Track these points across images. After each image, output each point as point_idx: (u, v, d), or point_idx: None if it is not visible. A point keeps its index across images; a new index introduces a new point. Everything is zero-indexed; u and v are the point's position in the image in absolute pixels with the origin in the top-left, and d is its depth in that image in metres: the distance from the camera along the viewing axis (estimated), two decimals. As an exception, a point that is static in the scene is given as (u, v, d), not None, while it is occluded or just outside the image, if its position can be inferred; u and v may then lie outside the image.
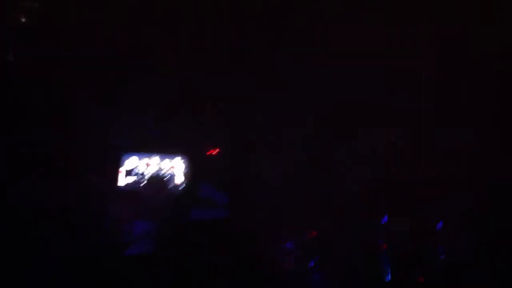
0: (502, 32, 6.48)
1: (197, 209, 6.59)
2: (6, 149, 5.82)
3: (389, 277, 6.02)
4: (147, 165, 6.68)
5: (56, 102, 6.40)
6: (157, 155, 6.72)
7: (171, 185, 6.75)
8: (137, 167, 6.65)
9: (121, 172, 6.59)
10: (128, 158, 6.64)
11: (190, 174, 6.77)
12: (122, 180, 6.57)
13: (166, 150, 6.75)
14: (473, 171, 6.51)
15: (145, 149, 6.73)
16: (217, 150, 6.87)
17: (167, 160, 6.73)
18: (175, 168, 6.76)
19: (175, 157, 6.75)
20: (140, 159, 6.67)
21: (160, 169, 6.72)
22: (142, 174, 6.67)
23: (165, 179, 6.59)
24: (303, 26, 6.77)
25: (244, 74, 6.79)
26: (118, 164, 6.61)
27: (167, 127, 6.78)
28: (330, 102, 6.82)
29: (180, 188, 6.77)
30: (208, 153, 6.89)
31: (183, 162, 6.75)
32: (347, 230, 6.34)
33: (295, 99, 6.82)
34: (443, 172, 6.57)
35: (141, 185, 6.53)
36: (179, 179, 6.76)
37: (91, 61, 6.54)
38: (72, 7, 6.33)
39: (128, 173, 6.60)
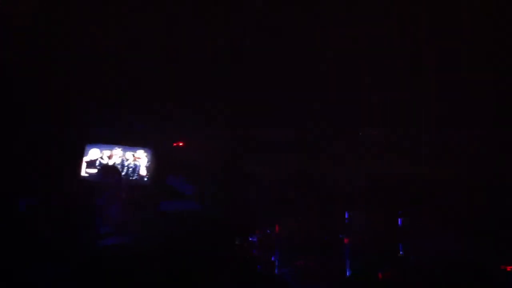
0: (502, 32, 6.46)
1: (163, 201, 6.59)
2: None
3: (349, 272, 6.05)
4: (110, 156, 6.64)
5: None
6: (120, 147, 6.68)
7: (135, 177, 6.71)
8: (100, 159, 6.60)
9: (83, 162, 6.55)
10: (90, 149, 6.59)
11: (155, 166, 6.74)
12: (84, 171, 6.52)
13: (129, 142, 6.71)
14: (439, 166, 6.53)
15: (108, 140, 6.68)
16: (182, 143, 6.85)
17: (130, 152, 6.69)
18: (139, 160, 6.72)
19: (138, 149, 6.71)
20: (102, 150, 6.62)
21: (124, 161, 6.68)
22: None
23: (118, 168, 6.52)
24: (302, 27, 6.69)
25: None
26: (81, 154, 6.56)
27: (132, 120, 6.73)
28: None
29: (145, 180, 6.74)
30: (174, 145, 6.86)
31: (147, 155, 6.72)
32: (310, 225, 6.34)
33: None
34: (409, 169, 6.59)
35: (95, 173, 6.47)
36: (143, 171, 6.73)
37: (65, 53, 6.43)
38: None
39: (90, 164, 6.56)
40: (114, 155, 6.67)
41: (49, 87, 6.42)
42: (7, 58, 5.99)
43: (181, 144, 6.88)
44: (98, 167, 6.56)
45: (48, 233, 5.26)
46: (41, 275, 4.74)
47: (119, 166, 6.63)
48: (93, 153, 6.60)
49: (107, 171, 6.18)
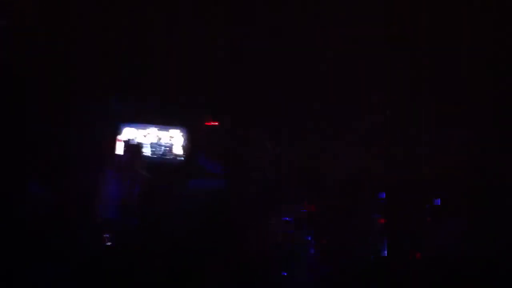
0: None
1: (195, 179, 6.62)
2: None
3: (385, 252, 6.04)
4: (145, 135, 6.67)
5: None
6: (156, 126, 6.69)
7: (170, 156, 6.75)
8: (135, 138, 6.63)
9: (119, 141, 6.57)
10: (125, 128, 6.61)
11: (189, 145, 6.76)
12: (120, 150, 6.55)
13: (164, 121, 6.72)
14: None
15: (143, 120, 6.70)
16: (216, 122, 6.84)
17: (165, 132, 6.70)
18: (174, 139, 6.74)
19: (173, 128, 6.73)
20: (137, 129, 6.64)
21: (159, 140, 6.70)
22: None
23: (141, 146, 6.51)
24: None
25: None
26: (116, 133, 6.58)
27: (166, 99, 6.72)
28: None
29: (179, 159, 6.77)
30: (207, 124, 6.86)
31: (182, 134, 6.73)
32: (345, 205, 6.33)
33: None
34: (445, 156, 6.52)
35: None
36: (178, 150, 6.75)
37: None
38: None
39: (126, 142, 6.59)
40: (149, 135, 6.69)
41: (82, 66, 6.38)
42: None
43: (214, 123, 6.87)
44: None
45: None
46: (42, 275, 4.76)
47: (154, 145, 6.67)
48: (128, 133, 6.62)
49: (127, 147, 6.19)
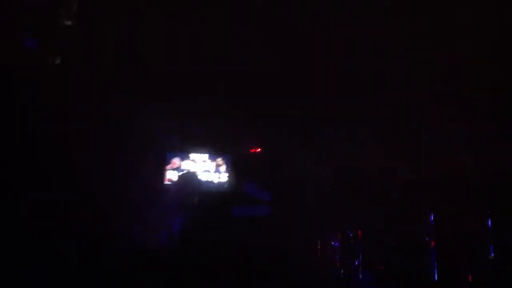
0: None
1: (241, 206, 6.65)
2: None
3: (436, 276, 5.86)
4: (192, 163, 6.78)
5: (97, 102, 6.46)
6: (201, 154, 6.81)
7: (215, 184, 6.83)
8: (182, 165, 6.76)
9: (167, 169, 6.71)
10: (172, 157, 6.75)
11: (234, 172, 6.83)
12: (168, 177, 6.69)
13: (210, 149, 6.82)
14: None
15: (189, 148, 6.83)
16: (259, 149, 6.89)
17: (211, 159, 6.81)
18: (220, 167, 6.83)
19: (219, 156, 6.83)
20: (184, 157, 6.77)
21: (205, 167, 6.81)
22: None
23: (196, 174, 6.63)
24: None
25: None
26: (164, 162, 6.73)
27: (210, 127, 6.83)
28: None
29: (225, 186, 6.83)
30: (251, 151, 6.92)
31: (226, 161, 6.82)
32: (394, 228, 6.21)
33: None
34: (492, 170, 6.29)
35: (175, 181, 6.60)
36: (224, 177, 6.83)
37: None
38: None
39: (174, 171, 6.73)
40: (195, 163, 6.81)
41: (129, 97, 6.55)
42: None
43: (258, 150, 6.93)
44: (178, 175, 6.71)
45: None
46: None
47: (199, 174, 6.78)
48: (175, 160, 6.76)
49: (185, 178, 6.29)
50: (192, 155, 6.86)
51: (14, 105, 5.02)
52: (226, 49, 6.56)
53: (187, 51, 6.53)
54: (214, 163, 6.87)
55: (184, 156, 6.83)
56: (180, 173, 6.71)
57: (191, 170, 6.79)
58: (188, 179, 6.27)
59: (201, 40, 6.40)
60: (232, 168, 6.86)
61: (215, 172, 6.86)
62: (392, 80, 6.44)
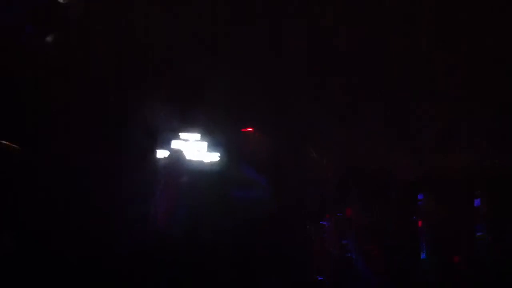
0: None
1: (234, 189, 6.69)
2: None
3: (424, 255, 5.93)
4: (184, 144, 6.79)
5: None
6: (195, 135, 6.82)
7: (207, 164, 6.86)
8: (174, 147, 6.77)
9: (158, 151, 6.73)
10: (165, 137, 6.76)
11: (227, 153, 6.86)
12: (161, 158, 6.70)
13: (202, 129, 6.84)
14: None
15: (181, 129, 6.83)
16: (251, 129, 6.92)
17: (203, 139, 6.83)
18: (212, 148, 6.85)
19: (211, 135, 6.84)
20: (175, 137, 6.78)
21: (197, 147, 6.83)
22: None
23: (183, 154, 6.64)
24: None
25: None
26: (156, 143, 6.74)
27: (204, 107, 6.85)
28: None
29: (215, 168, 6.86)
30: (242, 131, 6.95)
31: (219, 144, 6.83)
32: (382, 208, 6.25)
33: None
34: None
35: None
36: (215, 158, 6.86)
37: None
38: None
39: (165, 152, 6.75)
40: (186, 142, 6.82)
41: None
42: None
43: (250, 129, 6.95)
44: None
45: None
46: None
47: (193, 154, 6.80)
48: (167, 142, 6.78)
49: (171, 157, 6.29)
50: (184, 135, 6.88)
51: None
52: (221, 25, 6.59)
53: (177, 31, 6.55)
54: (205, 143, 6.90)
55: (175, 136, 6.85)
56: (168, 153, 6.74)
57: (178, 149, 6.79)
58: (174, 158, 6.25)
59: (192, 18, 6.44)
60: (225, 148, 6.88)
61: (207, 152, 6.89)
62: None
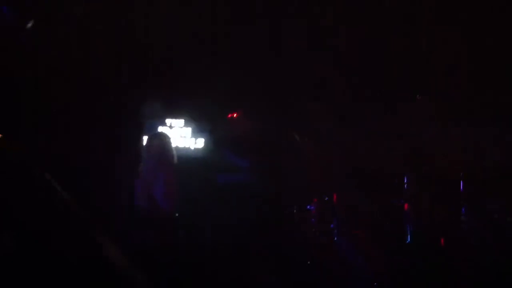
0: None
1: (220, 173, 6.69)
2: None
3: (409, 239, 6.16)
4: (169, 128, 6.72)
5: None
6: (179, 120, 6.74)
7: (192, 149, 6.82)
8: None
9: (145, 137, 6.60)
10: (150, 124, 6.65)
11: (211, 138, 6.83)
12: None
13: (187, 115, 6.76)
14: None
15: (165, 113, 6.73)
16: (236, 114, 6.90)
17: (189, 125, 6.77)
18: (196, 134, 6.81)
19: (196, 123, 6.79)
20: (160, 123, 6.68)
21: (181, 133, 6.76)
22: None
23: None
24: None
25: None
26: (142, 130, 6.62)
27: (188, 93, 6.76)
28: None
29: (201, 153, 6.83)
30: (228, 117, 6.92)
31: (203, 128, 6.79)
32: (368, 192, 6.41)
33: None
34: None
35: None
36: (200, 144, 6.83)
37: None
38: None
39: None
40: (171, 128, 6.74)
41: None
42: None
43: (235, 115, 6.94)
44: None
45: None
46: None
47: (178, 140, 6.72)
48: (153, 128, 6.67)
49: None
50: (169, 121, 6.79)
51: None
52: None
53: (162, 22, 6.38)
54: (190, 129, 6.83)
55: (161, 122, 6.75)
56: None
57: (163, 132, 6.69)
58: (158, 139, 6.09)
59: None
60: (210, 134, 6.85)
61: (191, 138, 6.84)
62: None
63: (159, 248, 5.01)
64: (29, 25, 5.12)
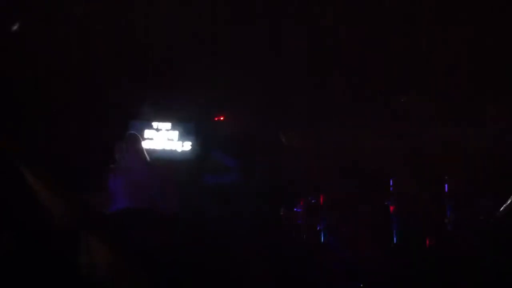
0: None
1: (207, 174, 6.76)
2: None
3: (396, 240, 6.17)
4: (156, 131, 6.73)
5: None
6: (165, 122, 6.77)
7: (179, 152, 6.82)
8: (145, 134, 6.71)
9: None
10: (135, 125, 6.65)
11: (199, 140, 6.84)
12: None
13: (173, 117, 6.75)
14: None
15: (152, 116, 6.75)
16: (222, 117, 6.93)
17: (174, 128, 6.79)
18: (183, 136, 6.81)
19: (182, 124, 6.79)
20: (147, 126, 6.72)
21: (169, 136, 6.77)
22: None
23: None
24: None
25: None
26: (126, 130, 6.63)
27: (175, 96, 6.76)
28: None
29: (189, 154, 6.85)
30: (215, 119, 6.95)
31: (190, 130, 6.81)
32: (355, 193, 6.44)
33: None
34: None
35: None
36: (187, 146, 6.85)
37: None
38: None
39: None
40: (158, 131, 6.75)
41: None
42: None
43: (221, 118, 6.97)
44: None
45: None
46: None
47: (165, 143, 6.73)
48: (138, 129, 6.65)
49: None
50: (155, 123, 6.79)
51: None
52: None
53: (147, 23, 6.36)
54: (177, 132, 6.84)
55: (147, 124, 6.76)
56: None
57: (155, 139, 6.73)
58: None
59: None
60: (196, 136, 6.88)
61: (178, 140, 6.86)
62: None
63: (159, 248, 5.11)
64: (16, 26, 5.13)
